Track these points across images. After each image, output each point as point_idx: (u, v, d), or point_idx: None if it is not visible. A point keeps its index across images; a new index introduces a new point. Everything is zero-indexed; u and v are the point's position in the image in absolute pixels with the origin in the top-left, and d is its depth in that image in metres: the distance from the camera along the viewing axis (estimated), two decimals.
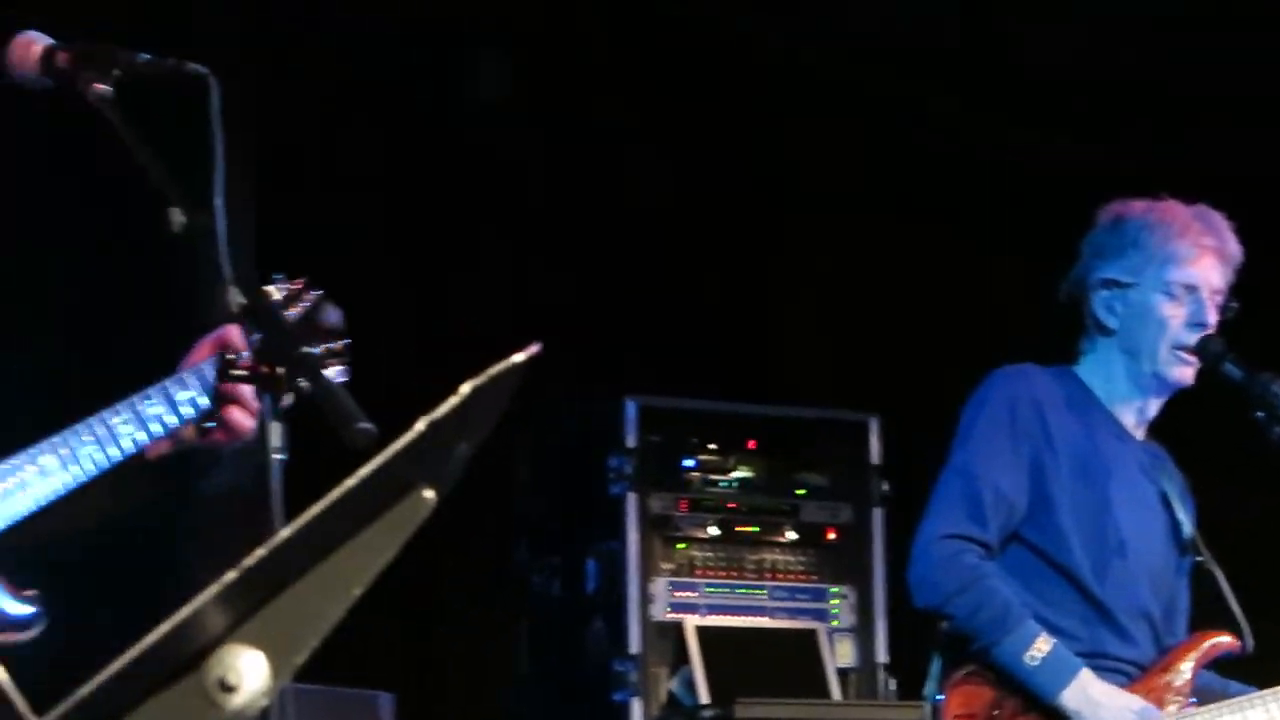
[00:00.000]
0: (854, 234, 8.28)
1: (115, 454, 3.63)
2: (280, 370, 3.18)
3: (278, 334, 3.20)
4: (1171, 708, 4.77)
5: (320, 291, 3.91)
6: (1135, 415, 5.00)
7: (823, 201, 8.40)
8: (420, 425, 2.41)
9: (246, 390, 3.66)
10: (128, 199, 4.14)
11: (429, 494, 2.61)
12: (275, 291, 3.85)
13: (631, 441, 6.89)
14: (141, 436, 3.63)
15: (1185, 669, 4.86)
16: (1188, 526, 5.03)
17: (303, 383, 3.23)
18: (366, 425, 3.05)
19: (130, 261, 4.24)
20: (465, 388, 2.50)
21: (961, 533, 4.70)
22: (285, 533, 2.38)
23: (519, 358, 2.63)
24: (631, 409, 6.97)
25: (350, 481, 2.40)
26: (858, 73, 8.40)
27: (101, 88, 3.49)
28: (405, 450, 2.45)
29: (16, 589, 3.61)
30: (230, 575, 2.41)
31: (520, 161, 7.85)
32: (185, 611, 2.38)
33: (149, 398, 3.65)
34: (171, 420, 3.61)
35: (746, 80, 8.20)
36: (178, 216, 3.30)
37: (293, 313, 3.86)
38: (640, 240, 7.85)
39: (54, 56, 3.58)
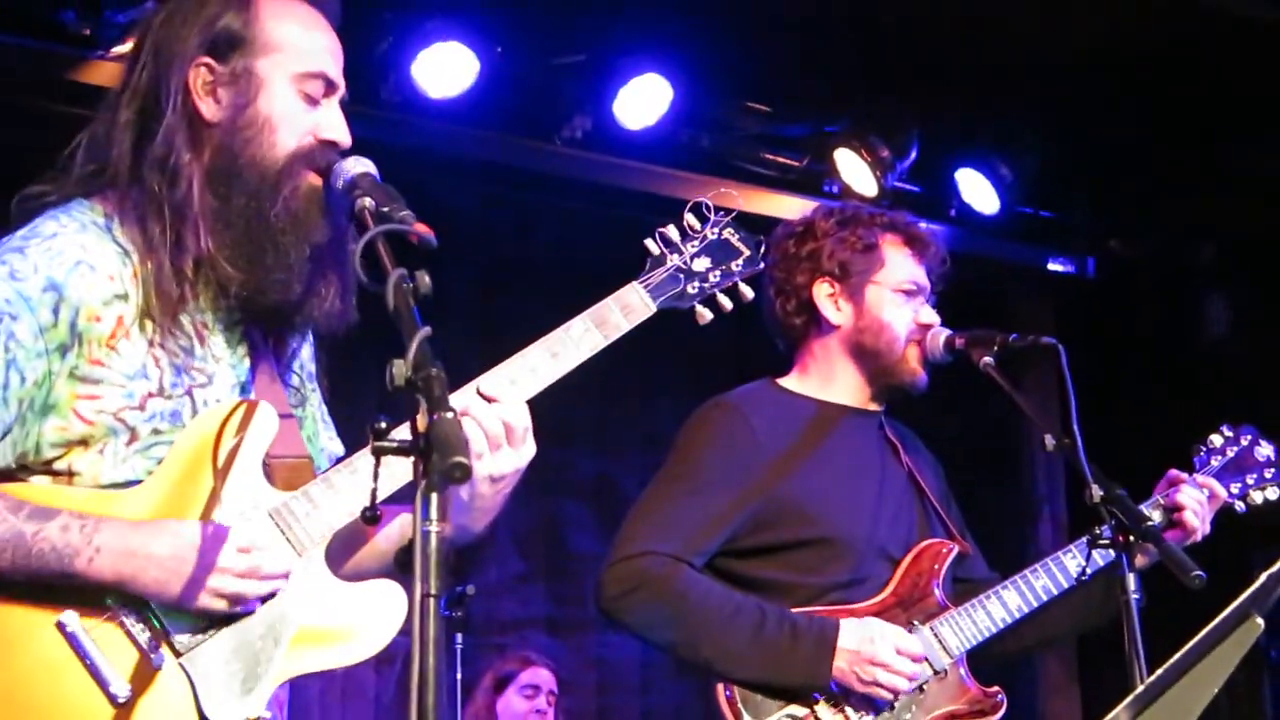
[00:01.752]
0: None
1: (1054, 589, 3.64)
2: (1133, 539, 3.08)
3: (1129, 514, 3.12)
4: None
5: (1257, 432, 3.90)
6: None
7: None
8: (1263, 577, 2.34)
9: (1188, 499, 3.67)
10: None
11: (1259, 621, 2.52)
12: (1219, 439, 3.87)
13: None
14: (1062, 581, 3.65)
15: None
16: None
17: (1146, 544, 3.14)
18: (1199, 573, 2.95)
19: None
20: None
21: None
22: (1176, 659, 2.33)
23: None
24: None
25: (1216, 621, 2.35)
26: None
27: (988, 359, 3.51)
28: (1252, 595, 2.38)
29: (982, 685, 3.63)
30: (1142, 685, 2.38)
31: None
32: (1112, 715, 2.36)
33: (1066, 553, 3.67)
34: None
35: None
36: (1050, 440, 3.27)
37: (1231, 456, 3.84)
38: None
39: (954, 341, 3.63)
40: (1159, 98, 6.64)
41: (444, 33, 6.08)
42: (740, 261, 2.87)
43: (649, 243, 2.83)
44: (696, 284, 2.82)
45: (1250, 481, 3.82)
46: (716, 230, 2.86)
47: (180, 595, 2.37)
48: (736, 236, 2.89)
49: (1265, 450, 3.85)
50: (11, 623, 2.34)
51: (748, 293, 2.89)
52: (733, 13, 6.24)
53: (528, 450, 2.55)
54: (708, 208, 2.89)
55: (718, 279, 2.84)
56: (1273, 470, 3.84)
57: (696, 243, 2.84)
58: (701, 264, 2.83)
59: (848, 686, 3.41)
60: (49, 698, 2.33)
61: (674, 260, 2.82)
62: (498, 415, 2.51)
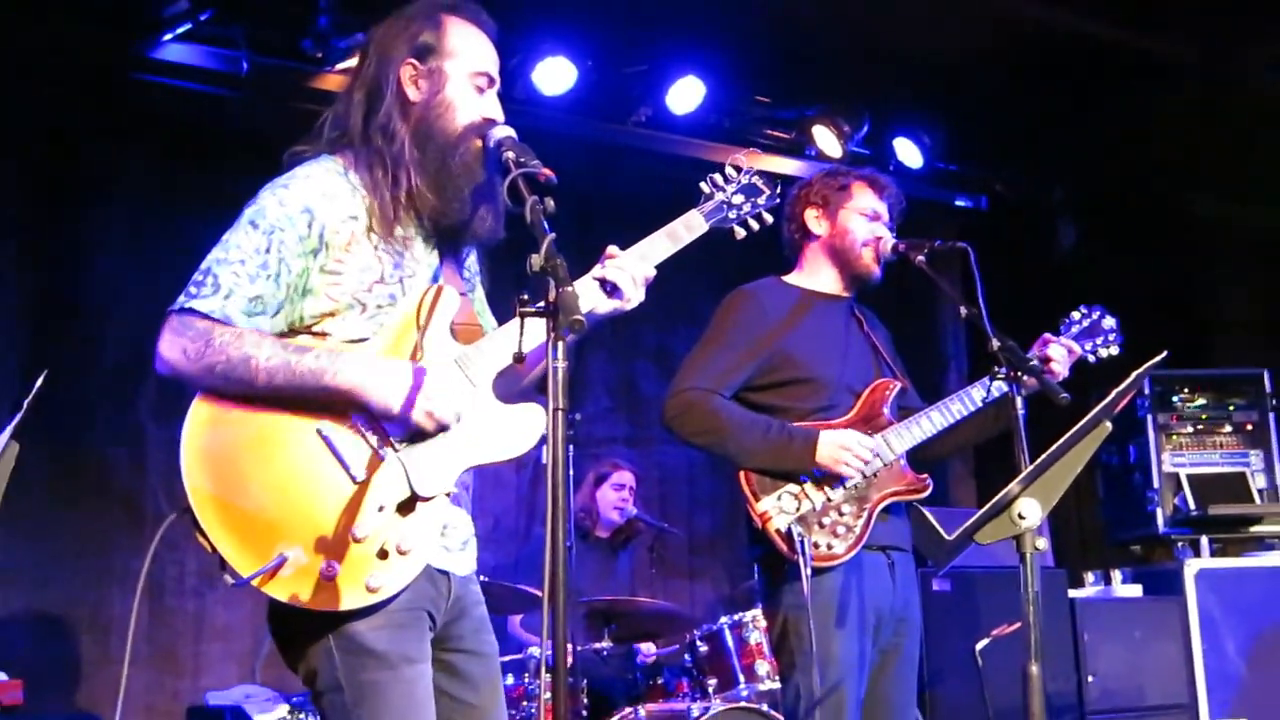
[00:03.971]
0: None
1: (964, 410, 3.54)
2: (1021, 375, 2.99)
3: (1018, 357, 3.03)
4: None
5: (1105, 310, 3.75)
6: None
7: None
8: (1112, 394, 2.26)
9: (1055, 352, 3.53)
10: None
11: (1108, 425, 2.46)
12: (1078, 314, 3.71)
13: (1147, 390, 6.38)
14: (970, 405, 3.53)
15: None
16: None
17: (1027, 378, 3.05)
18: (1066, 395, 2.86)
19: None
20: (1130, 379, 2.33)
21: None
22: (1052, 449, 2.27)
23: (1154, 361, 2.44)
24: (1147, 378, 6.36)
25: (1080, 425, 2.28)
26: None
27: (920, 258, 3.43)
28: (1105, 406, 2.31)
29: (916, 473, 3.53)
30: (1029, 468, 2.31)
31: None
32: (1008, 487, 2.30)
33: (973, 387, 3.55)
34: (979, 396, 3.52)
35: None
36: (964, 310, 3.18)
37: (1085, 326, 3.70)
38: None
39: (898, 246, 3.57)
40: (1025, 89, 6.52)
41: (553, 50, 6.04)
42: (763, 198, 2.80)
43: (703, 184, 2.77)
44: (735, 212, 2.76)
45: (1099, 342, 3.73)
46: (748, 177, 2.79)
47: (398, 407, 2.35)
48: (761, 181, 2.82)
49: (1110, 322, 3.76)
50: (283, 428, 2.34)
51: (768, 218, 2.83)
52: (747, 36, 6.17)
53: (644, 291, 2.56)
54: (741, 162, 2.83)
55: (749, 209, 2.77)
56: (1114, 334, 3.75)
57: (734, 185, 2.77)
58: (738, 199, 2.76)
59: (827, 468, 3.39)
60: (312, 476, 2.33)
61: (719, 196, 2.75)
62: (628, 267, 2.52)
